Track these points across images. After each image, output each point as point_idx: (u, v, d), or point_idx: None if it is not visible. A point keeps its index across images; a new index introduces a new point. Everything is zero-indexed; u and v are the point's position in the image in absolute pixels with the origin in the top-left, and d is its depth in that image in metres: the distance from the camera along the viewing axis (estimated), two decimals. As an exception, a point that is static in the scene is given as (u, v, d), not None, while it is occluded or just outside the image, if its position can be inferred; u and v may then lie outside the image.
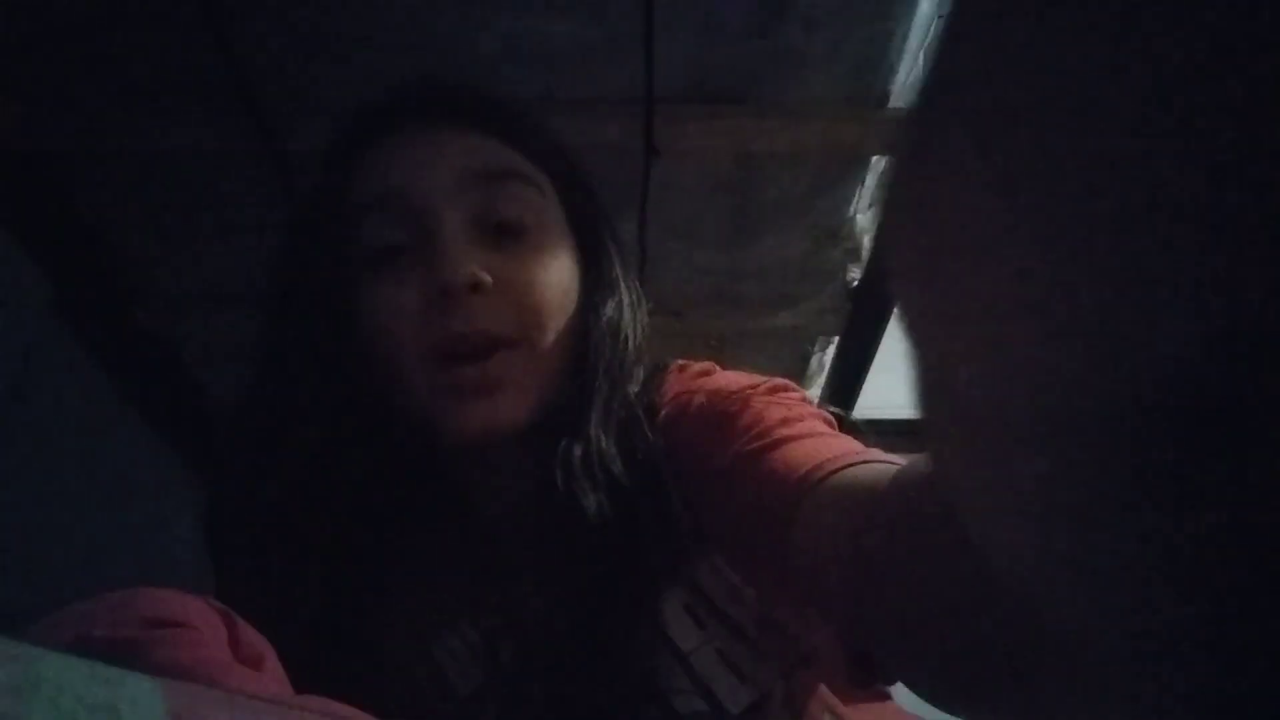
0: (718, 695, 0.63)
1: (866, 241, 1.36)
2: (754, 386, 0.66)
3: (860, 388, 1.60)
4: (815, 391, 1.69)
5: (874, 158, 1.25)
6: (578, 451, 0.64)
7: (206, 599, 0.45)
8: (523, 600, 0.67)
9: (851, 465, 0.52)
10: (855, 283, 1.43)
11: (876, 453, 0.55)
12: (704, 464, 0.63)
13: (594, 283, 0.72)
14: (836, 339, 1.56)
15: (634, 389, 0.71)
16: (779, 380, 0.68)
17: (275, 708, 0.24)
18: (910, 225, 0.20)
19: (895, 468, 0.49)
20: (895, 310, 0.22)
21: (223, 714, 0.22)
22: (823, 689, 0.67)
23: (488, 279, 0.63)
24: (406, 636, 0.67)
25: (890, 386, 2.40)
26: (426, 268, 0.63)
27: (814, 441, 0.58)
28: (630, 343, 0.72)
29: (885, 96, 1.16)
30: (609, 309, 0.72)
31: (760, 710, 0.64)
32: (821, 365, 1.64)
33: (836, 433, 0.62)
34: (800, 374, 1.64)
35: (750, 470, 0.58)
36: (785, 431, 0.59)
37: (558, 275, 0.68)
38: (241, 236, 1.32)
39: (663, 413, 0.70)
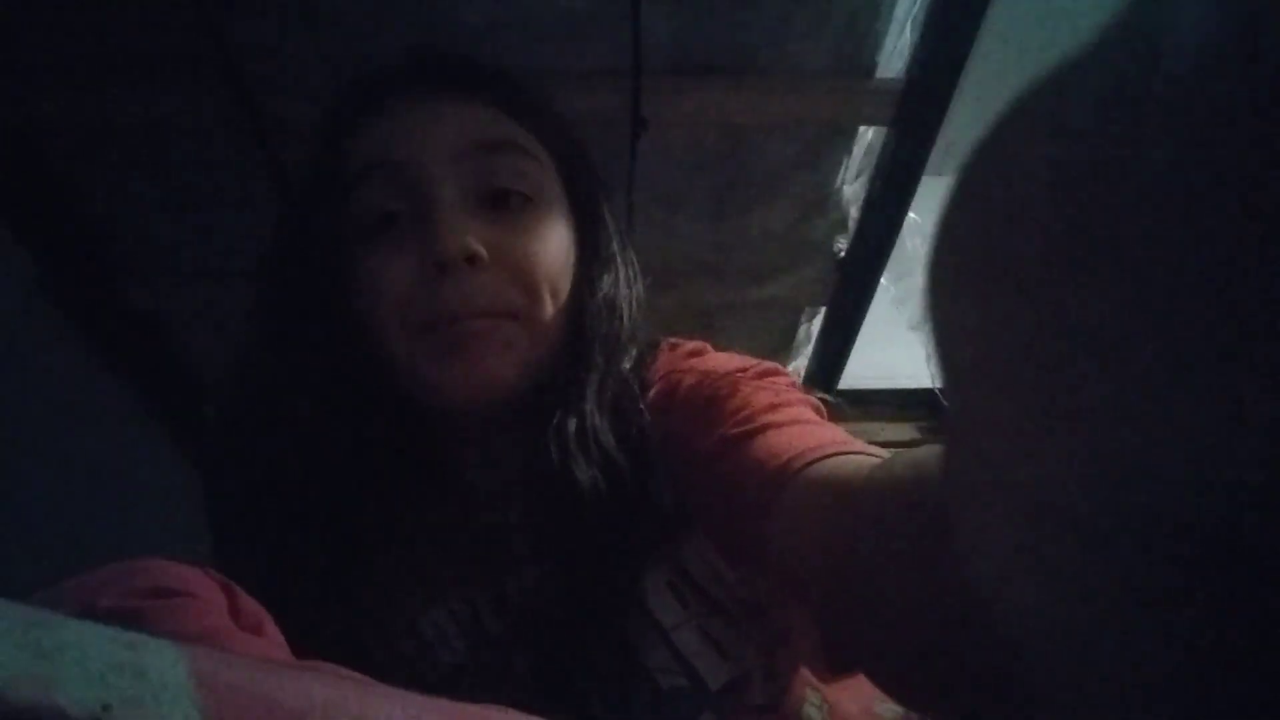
0: (699, 671, 0.64)
1: (853, 212, 1.36)
2: (744, 370, 0.67)
3: (847, 358, 1.61)
4: (803, 362, 1.70)
5: (861, 128, 1.24)
6: (572, 426, 0.65)
7: (205, 569, 0.45)
8: (509, 574, 0.68)
9: (831, 456, 0.53)
10: (842, 253, 1.43)
11: (858, 444, 0.57)
12: (690, 445, 0.64)
13: (591, 257, 0.72)
14: (823, 309, 1.56)
15: (628, 365, 0.71)
16: (769, 364, 0.70)
17: (289, 669, 0.24)
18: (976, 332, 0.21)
19: (874, 462, 0.49)
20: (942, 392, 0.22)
21: (241, 675, 0.22)
22: (804, 666, 0.68)
23: (483, 252, 0.63)
24: (393, 608, 0.68)
25: (877, 356, 2.41)
26: (421, 239, 0.63)
27: (798, 429, 0.58)
28: (626, 318, 0.72)
29: (872, 67, 1.16)
30: (605, 284, 0.71)
31: (740, 686, 0.65)
32: (809, 335, 1.64)
33: (822, 420, 0.63)
34: (787, 344, 1.65)
35: (733, 455, 0.59)
36: (770, 418, 0.59)
37: (555, 248, 0.68)
38: (222, 209, 1.31)
39: (653, 391, 0.71)
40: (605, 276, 0.72)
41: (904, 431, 2.92)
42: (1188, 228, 0.14)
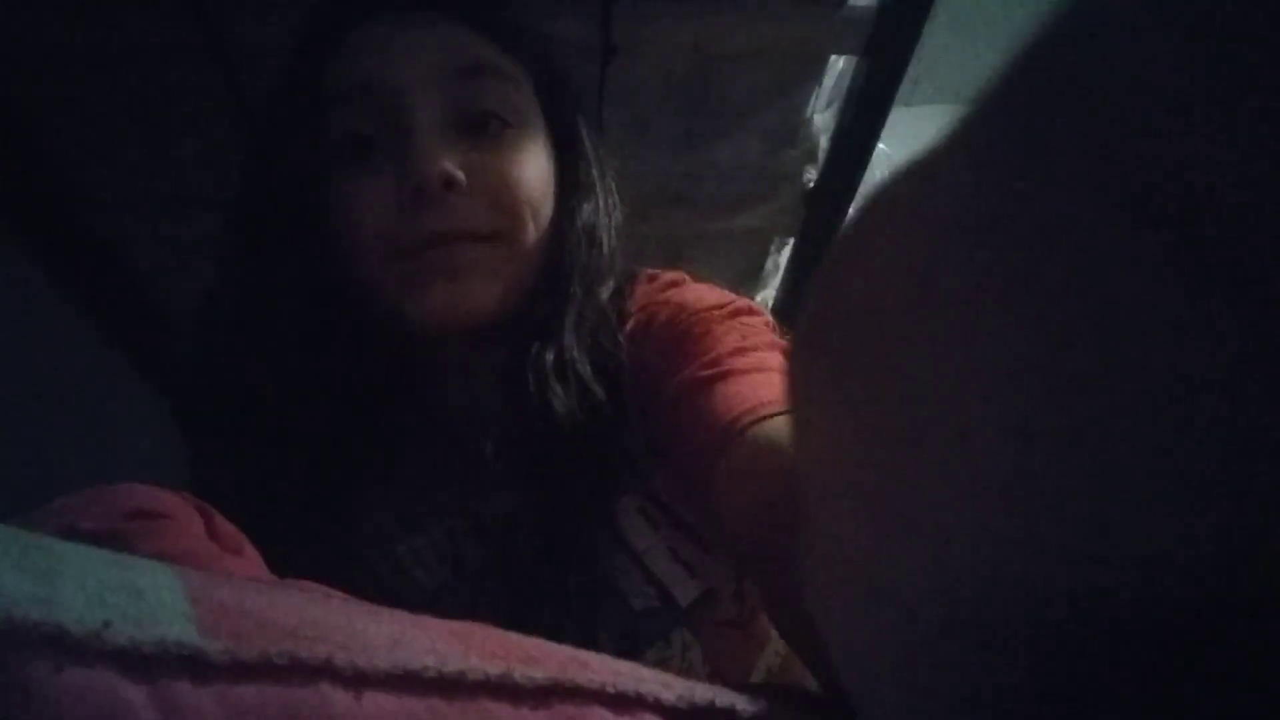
0: (669, 589, 0.66)
1: (823, 142, 1.36)
2: (720, 306, 0.66)
3: (815, 289, 1.62)
4: (771, 293, 1.71)
5: (832, 57, 1.24)
6: (550, 355, 0.65)
7: (181, 493, 0.46)
8: (484, 501, 0.69)
9: (782, 413, 0.53)
10: (811, 184, 1.43)
11: None
12: (659, 381, 0.65)
13: (570, 184, 0.71)
14: (792, 240, 1.57)
15: (605, 295, 0.71)
16: (745, 302, 0.69)
17: (278, 588, 0.25)
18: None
19: None
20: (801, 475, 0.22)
21: (233, 593, 0.23)
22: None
23: (461, 176, 0.62)
24: (372, 534, 0.69)
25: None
26: (398, 163, 0.62)
27: (758, 379, 0.58)
28: (605, 247, 0.72)
29: (844, -5, 1.15)
30: (585, 212, 0.71)
31: (708, 602, 0.67)
32: (777, 266, 1.65)
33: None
34: (756, 275, 1.66)
35: (692, 400, 0.59)
36: (733, 363, 0.59)
37: (534, 174, 0.67)
38: (183, 136, 1.28)
39: (630, 322, 0.71)
40: (585, 205, 0.72)
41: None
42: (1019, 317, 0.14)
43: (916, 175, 0.18)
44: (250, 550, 0.47)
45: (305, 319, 0.66)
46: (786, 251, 1.62)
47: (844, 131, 1.32)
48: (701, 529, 0.69)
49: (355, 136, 0.64)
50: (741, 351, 0.61)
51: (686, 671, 0.63)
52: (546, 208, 0.69)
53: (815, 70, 1.25)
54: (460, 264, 0.63)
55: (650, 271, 0.78)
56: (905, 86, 1.25)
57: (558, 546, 0.63)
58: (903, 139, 2.09)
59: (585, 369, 0.66)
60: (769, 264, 1.64)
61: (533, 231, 0.67)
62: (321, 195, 0.65)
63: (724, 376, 0.59)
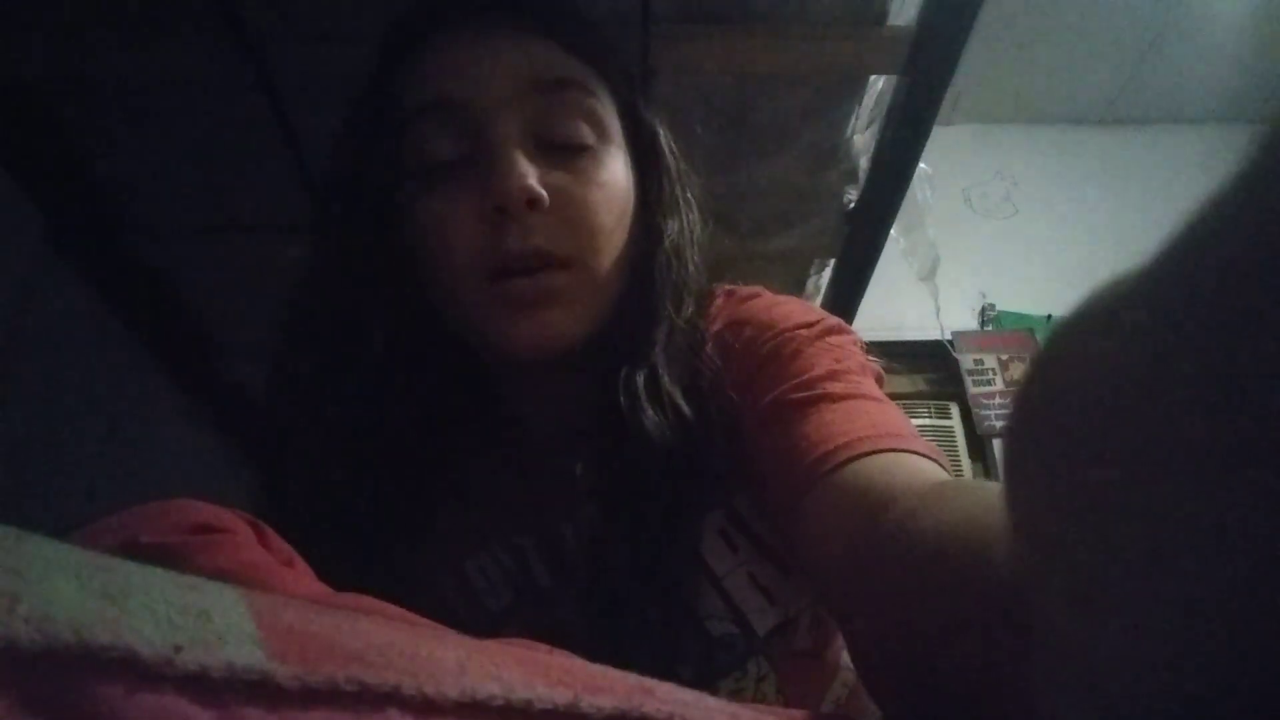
0: (747, 616, 0.64)
1: (863, 163, 1.36)
2: (809, 324, 0.65)
3: (856, 310, 1.61)
4: (811, 314, 1.70)
5: (871, 77, 1.23)
6: (641, 378, 0.64)
7: (233, 509, 0.46)
8: (564, 521, 0.67)
9: (876, 453, 0.52)
10: (852, 204, 1.43)
11: (908, 433, 0.56)
12: (748, 399, 0.63)
13: (654, 201, 0.70)
14: (832, 261, 1.56)
15: (690, 311, 0.69)
16: (834, 320, 0.68)
17: (342, 612, 0.25)
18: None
19: (924, 475, 0.49)
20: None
21: (299, 617, 0.23)
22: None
23: (545, 196, 0.61)
24: (440, 552, 0.68)
25: (885, 308, 2.41)
26: (481, 181, 0.62)
27: (851, 407, 0.57)
28: (690, 264, 0.70)
29: (883, 14, 1.15)
30: (671, 229, 0.70)
31: (786, 631, 0.65)
32: (818, 287, 1.64)
33: (878, 396, 0.61)
34: (797, 295, 1.65)
35: (783, 423, 0.58)
36: (827, 388, 0.58)
37: (616, 193, 0.66)
38: (229, 163, 1.31)
39: (711, 339, 0.69)
40: (670, 222, 0.70)
41: (912, 383, 2.93)
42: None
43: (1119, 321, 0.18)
44: (301, 564, 0.47)
45: (382, 339, 0.65)
46: (827, 273, 1.61)
47: (884, 151, 1.32)
48: (782, 551, 0.67)
49: (436, 155, 0.64)
50: (835, 375, 0.59)
51: (760, 701, 0.62)
52: (626, 228, 0.67)
53: (855, 90, 1.24)
54: (543, 296, 0.62)
55: (728, 287, 0.76)
56: (945, 106, 1.24)
57: (642, 568, 0.61)
58: (943, 158, 2.08)
59: (675, 389, 0.65)
60: (809, 285, 1.63)
61: (610, 254, 0.66)
62: (400, 214, 0.65)
63: (817, 401, 0.57)
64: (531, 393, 0.72)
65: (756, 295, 0.73)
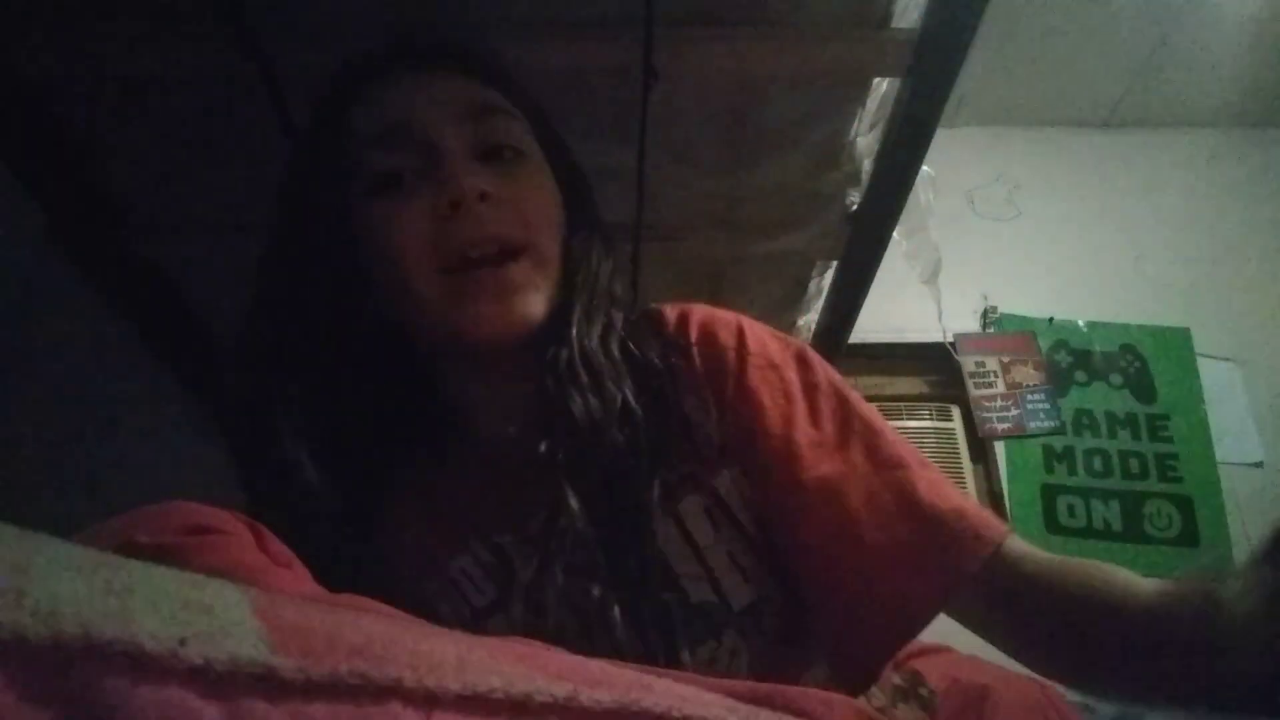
0: (724, 589, 0.70)
1: (866, 165, 1.36)
2: (812, 370, 0.76)
3: (858, 312, 1.61)
4: (813, 316, 1.70)
5: (875, 80, 1.24)
6: (564, 355, 0.72)
7: (232, 510, 0.47)
8: (531, 515, 0.71)
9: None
10: (854, 207, 1.43)
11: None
12: (769, 426, 0.72)
13: (570, 203, 0.80)
14: (835, 263, 1.56)
15: (612, 297, 0.78)
16: (798, 343, 0.79)
17: (343, 608, 0.25)
18: None
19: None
20: None
21: (300, 612, 0.23)
22: None
23: (492, 190, 0.70)
24: (420, 557, 0.72)
25: (888, 310, 2.41)
26: (433, 187, 0.70)
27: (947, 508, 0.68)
28: (604, 259, 0.80)
29: (887, 17, 1.15)
30: (585, 220, 0.80)
31: (758, 610, 0.72)
32: (820, 289, 1.64)
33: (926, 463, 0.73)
34: (798, 298, 1.65)
35: (869, 495, 0.69)
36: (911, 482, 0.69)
37: (547, 193, 0.76)
38: (229, 161, 1.31)
39: (672, 329, 0.78)
40: (586, 221, 0.80)
41: (913, 385, 2.93)
42: None
43: None
44: (299, 566, 0.48)
45: (338, 345, 0.72)
46: (829, 275, 1.61)
47: (887, 154, 1.32)
48: (759, 538, 0.73)
49: (387, 170, 0.72)
50: (902, 463, 0.70)
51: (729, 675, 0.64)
52: (559, 223, 0.77)
53: (858, 93, 1.24)
54: (506, 284, 0.69)
55: (664, 306, 0.83)
56: (948, 109, 1.25)
57: (609, 531, 0.67)
58: (945, 161, 2.08)
59: (598, 362, 0.72)
60: (811, 287, 1.64)
61: (553, 245, 0.74)
62: (354, 226, 0.72)
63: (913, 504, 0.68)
64: (480, 392, 0.77)
65: (710, 316, 0.81)
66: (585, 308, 0.75)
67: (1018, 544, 0.66)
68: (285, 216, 0.78)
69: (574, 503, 0.67)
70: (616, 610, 0.65)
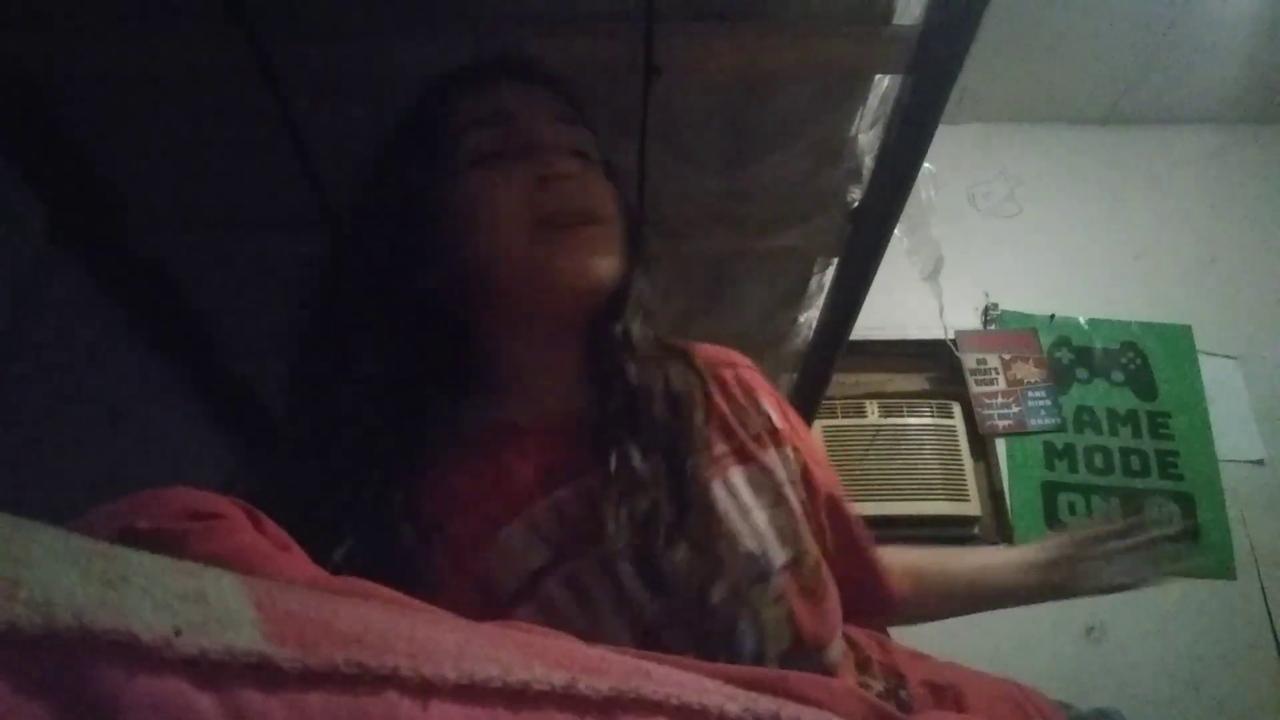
0: (766, 546, 0.78)
1: (867, 162, 1.35)
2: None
3: (859, 309, 1.60)
4: (814, 313, 1.70)
5: (877, 76, 1.23)
6: (618, 328, 0.83)
7: (228, 496, 0.47)
8: (581, 472, 0.77)
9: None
10: (855, 203, 1.42)
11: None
12: (804, 449, 0.91)
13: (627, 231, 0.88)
14: (836, 260, 1.56)
15: (653, 304, 0.88)
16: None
17: (340, 596, 0.25)
18: None
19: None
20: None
21: (296, 601, 0.23)
22: None
23: (578, 170, 0.81)
24: (476, 521, 0.74)
25: (889, 307, 2.41)
26: (526, 165, 0.79)
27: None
28: (651, 285, 0.89)
29: (889, 13, 1.15)
30: (638, 235, 0.90)
31: (793, 568, 0.79)
32: (821, 286, 1.64)
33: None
34: (799, 295, 1.65)
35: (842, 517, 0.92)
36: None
37: (615, 197, 0.85)
38: (231, 157, 1.31)
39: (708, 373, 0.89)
40: (636, 250, 0.88)
41: (914, 382, 2.93)
42: None
43: None
44: (297, 549, 0.48)
45: (406, 315, 0.79)
46: (830, 272, 1.61)
47: (889, 150, 1.32)
48: (799, 512, 0.83)
49: (488, 148, 0.81)
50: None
51: (777, 623, 0.74)
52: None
53: (860, 89, 1.24)
54: (587, 242, 0.78)
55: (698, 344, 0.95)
56: (949, 105, 1.24)
57: (664, 482, 0.75)
58: (947, 157, 2.08)
59: (648, 346, 0.83)
60: (812, 284, 1.63)
61: (621, 227, 0.83)
62: (443, 197, 0.80)
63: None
64: (537, 356, 0.84)
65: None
66: (636, 300, 0.85)
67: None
68: (374, 188, 0.86)
69: (635, 453, 0.75)
70: (677, 554, 0.71)
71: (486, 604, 0.68)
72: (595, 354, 0.82)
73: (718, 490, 0.78)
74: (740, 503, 0.79)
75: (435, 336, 0.81)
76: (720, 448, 0.83)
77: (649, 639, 0.69)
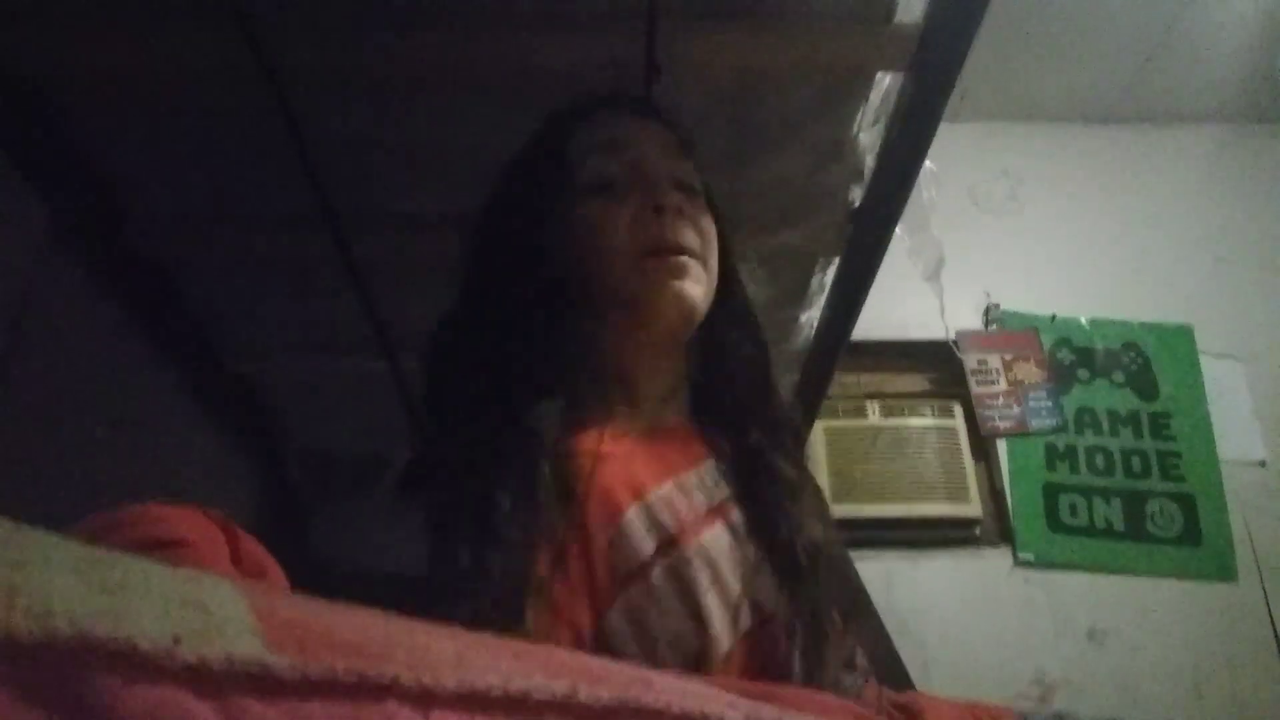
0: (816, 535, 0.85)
1: (869, 161, 1.35)
2: None
3: (860, 309, 1.60)
4: (815, 313, 1.70)
5: (878, 75, 1.23)
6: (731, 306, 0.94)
7: (209, 513, 0.46)
8: (698, 461, 0.86)
9: None
10: (856, 203, 1.42)
11: None
12: None
13: (725, 252, 0.95)
14: (837, 260, 1.56)
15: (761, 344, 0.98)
16: None
17: (338, 606, 0.25)
18: None
19: None
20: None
21: (296, 610, 0.23)
22: None
23: (684, 202, 0.87)
24: (599, 513, 0.78)
25: (890, 307, 2.41)
26: (639, 195, 0.86)
27: None
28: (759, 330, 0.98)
29: (890, 12, 1.14)
30: (739, 269, 0.99)
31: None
32: (822, 285, 1.64)
33: None
34: (800, 294, 1.65)
35: None
36: None
37: (714, 227, 0.92)
38: (232, 158, 1.31)
39: None
40: (737, 264, 0.99)
41: (915, 383, 2.93)
42: None
43: None
44: (275, 572, 0.47)
45: (547, 315, 0.85)
46: (831, 271, 1.60)
47: (890, 149, 1.32)
48: None
49: (604, 176, 0.87)
50: None
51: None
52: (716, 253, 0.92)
53: (862, 88, 1.24)
54: (685, 273, 0.85)
55: None
56: (950, 104, 1.24)
57: (749, 479, 0.85)
58: (948, 156, 2.08)
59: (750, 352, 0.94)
60: (813, 283, 1.63)
61: (715, 265, 0.90)
62: (563, 221, 0.87)
63: None
64: (644, 361, 0.90)
65: None
66: (735, 327, 0.94)
67: None
68: (499, 211, 0.93)
69: (756, 436, 0.87)
70: (764, 549, 0.80)
71: (606, 580, 0.74)
72: (702, 363, 0.92)
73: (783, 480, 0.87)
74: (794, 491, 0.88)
75: (564, 326, 0.87)
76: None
77: (745, 638, 0.75)
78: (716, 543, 0.79)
